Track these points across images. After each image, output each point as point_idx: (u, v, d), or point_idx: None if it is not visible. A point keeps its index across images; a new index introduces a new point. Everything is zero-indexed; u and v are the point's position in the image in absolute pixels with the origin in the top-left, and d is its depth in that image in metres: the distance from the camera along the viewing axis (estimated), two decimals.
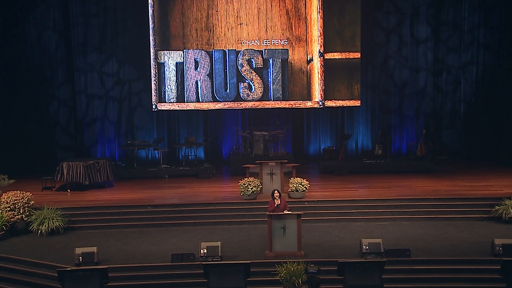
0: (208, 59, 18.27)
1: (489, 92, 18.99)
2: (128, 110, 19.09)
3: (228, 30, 18.25)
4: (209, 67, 18.29)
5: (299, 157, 18.45)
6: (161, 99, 18.33)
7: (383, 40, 19.26)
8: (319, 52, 18.24)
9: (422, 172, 17.20)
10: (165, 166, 17.77)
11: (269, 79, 18.38)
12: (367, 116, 19.54)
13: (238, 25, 18.25)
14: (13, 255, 11.39)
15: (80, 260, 10.53)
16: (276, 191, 11.50)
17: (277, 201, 11.39)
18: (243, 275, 9.47)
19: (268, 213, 11.22)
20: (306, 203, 13.75)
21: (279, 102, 18.47)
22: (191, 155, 18.43)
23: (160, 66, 18.26)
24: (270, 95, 18.44)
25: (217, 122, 19.54)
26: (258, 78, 18.36)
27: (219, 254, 10.82)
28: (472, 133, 19.26)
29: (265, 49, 18.30)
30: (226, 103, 18.43)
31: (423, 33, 19.25)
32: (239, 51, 18.27)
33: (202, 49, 18.25)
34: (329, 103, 18.53)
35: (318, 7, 18.13)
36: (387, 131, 19.25)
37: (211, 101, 18.38)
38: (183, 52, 18.24)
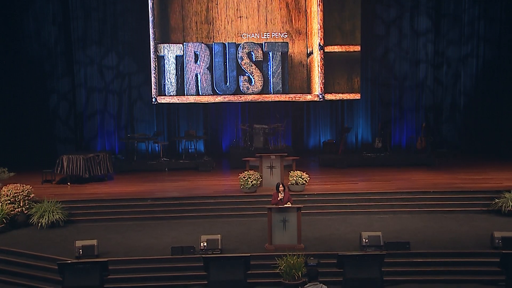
0: (208, 52, 18.23)
1: (489, 85, 18.98)
2: (128, 103, 19.07)
3: (228, 23, 18.21)
4: (209, 60, 18.26)
5: (299, 150, 18.42)
6: (161, 92, 18.31)
7: (383, 33, 19.20)
8: (319, 45, 18.20)
9: (422, 165, 17.20)
10: (165, 159, 17.76)
11: (269, 72, 18.35)
12: (367, 109, 19.51)
13: (238, 18, 18.20)
14: (13, 248, 11.42)
15: (80, 253, 10.55)
16: (280, 185, 11.54)
17: (281, 195, 11.40)
18: (243, 268, 9.51)
19: (270, 206, 11.24)
20: (306, 196, 13.77)
21: (279, 95, 18.45)
22: (191, 148, 18.42)
23: (160, 59, 18.22)
24: (270, 88, 18.41)
25: (217, 115, 19.51)
26: (258, 71, 18.32)
27: (219, 247, 10.84)
28: (472, 126, 19.25)
29: (265, 42, 18.26)
30: (226, 96, 18.41)
31: (423, 26, 19.18)
32: (239, 44, 18.23)
33: (202, 42, 18.21)
34: (329, 96, 18.51)
35: (318, 0, 18.08)
36: (386, 124, 19.24)
37: (211, 94, 18.35)
38: (183, 45, 18.20)
